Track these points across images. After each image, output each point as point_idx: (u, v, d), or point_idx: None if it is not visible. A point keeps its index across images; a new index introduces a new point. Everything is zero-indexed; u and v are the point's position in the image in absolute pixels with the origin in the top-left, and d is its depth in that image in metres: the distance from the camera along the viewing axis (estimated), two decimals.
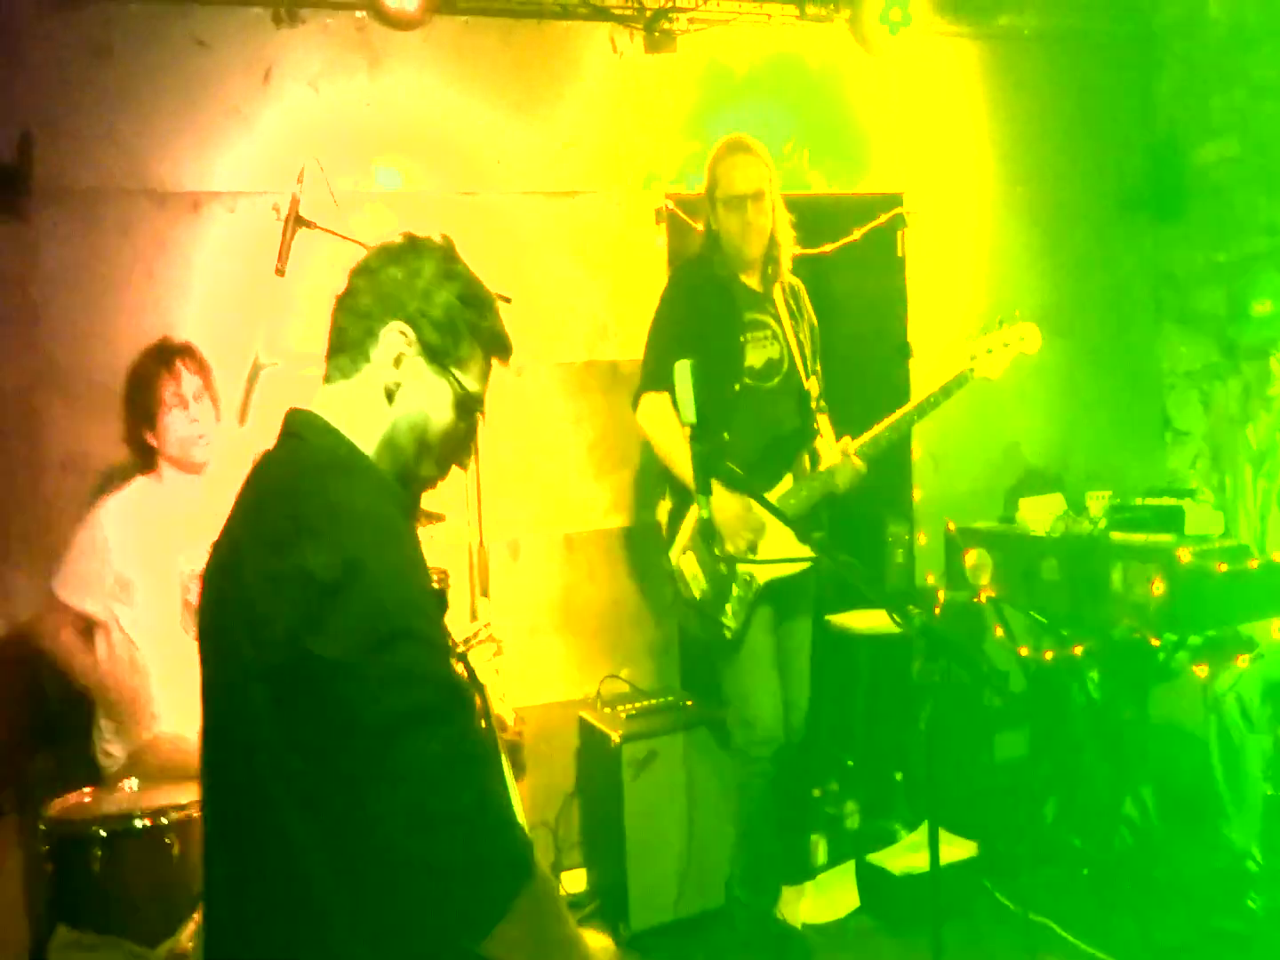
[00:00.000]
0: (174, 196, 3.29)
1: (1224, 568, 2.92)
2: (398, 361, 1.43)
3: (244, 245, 3.32)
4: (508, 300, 3.33)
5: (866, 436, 3.00)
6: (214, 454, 2.83)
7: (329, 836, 1.27)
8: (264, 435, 1.49)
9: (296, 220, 2.97)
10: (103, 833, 2.27)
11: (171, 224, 3.28)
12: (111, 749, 2.73)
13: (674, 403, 2.60)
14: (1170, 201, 4.32)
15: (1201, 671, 3.10)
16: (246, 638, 1.28)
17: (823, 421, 3.19)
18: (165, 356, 2.81)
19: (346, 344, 1.44)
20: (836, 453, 3.00)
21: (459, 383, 1.46)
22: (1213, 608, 2.95)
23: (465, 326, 1.47)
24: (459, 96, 3.61)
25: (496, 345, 1.53)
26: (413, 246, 1.48)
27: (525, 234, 3.68)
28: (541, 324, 3.68)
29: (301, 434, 1.41)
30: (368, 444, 1.42)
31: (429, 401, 1.45)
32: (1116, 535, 3.19)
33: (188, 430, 2.77)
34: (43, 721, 2.83)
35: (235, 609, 1.32)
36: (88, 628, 2.73)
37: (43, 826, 2.33)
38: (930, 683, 1.84)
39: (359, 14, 3.47)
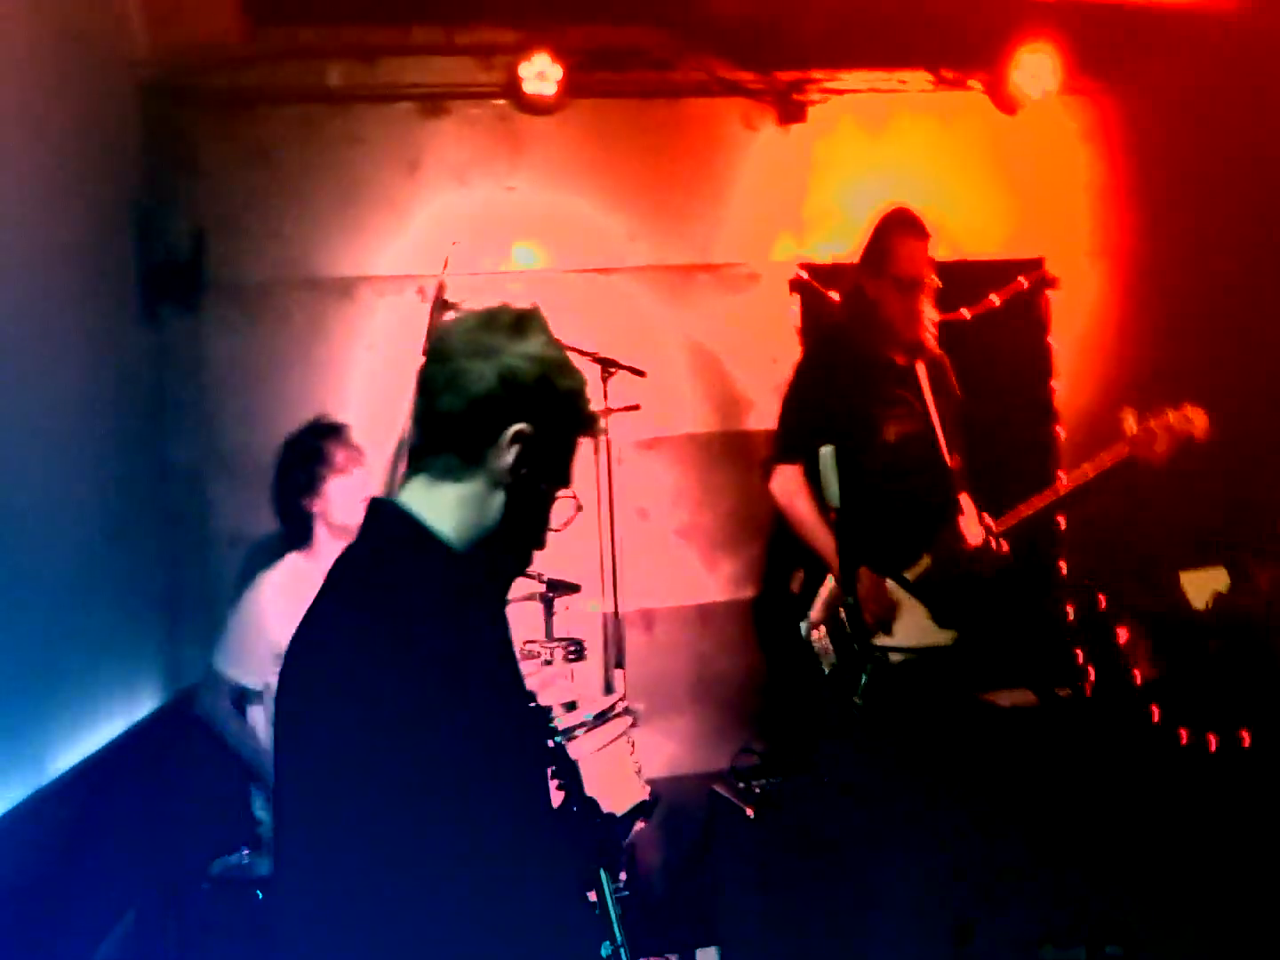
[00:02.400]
0: (329, 284, 3.48)
1: None
2: (518, 468, 1.33)
3: (393, 328, 3.49)
4: (643, 375, 3.43)
5: (1011, 519, 2.89)
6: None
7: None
8: None
9: (442, 304, 3.10)
10: (261, 894, 2.37)
11: (326, 311, 3.47)
12: (263, 814, 2.85)
13: (818, 484, 2.60)
14: None
15: None
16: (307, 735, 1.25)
17: (965, 500, 3.10)
18: (327, 429, 2.95)
19: (455, 437, 1.33)
20: (979, 533, 2.91)
21: (564, 471, 1.40)
22: None
23: (579, 419, 1.39)
24: (594, 177, 3.73)
25: (589, 425, 1.44)
26: (517, 321, 1.36)
27: (658, 308, 3.75)
28: (675, 396, 3.72)
29: (388, 528, 1.34)
30: (462, 538, 1.33)
31: (532, 498, 1.38)
32: None
33: (354, 493, 2.88)
34: (209, 786, 2.98)
35: (312, 715, 1.27)
36: (242, 698, 2.86)
37: (206, 886, 2.45)
38: None
39: (499, 102, 3.63)
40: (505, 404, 1.32)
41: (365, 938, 1.21)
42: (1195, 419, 2.83)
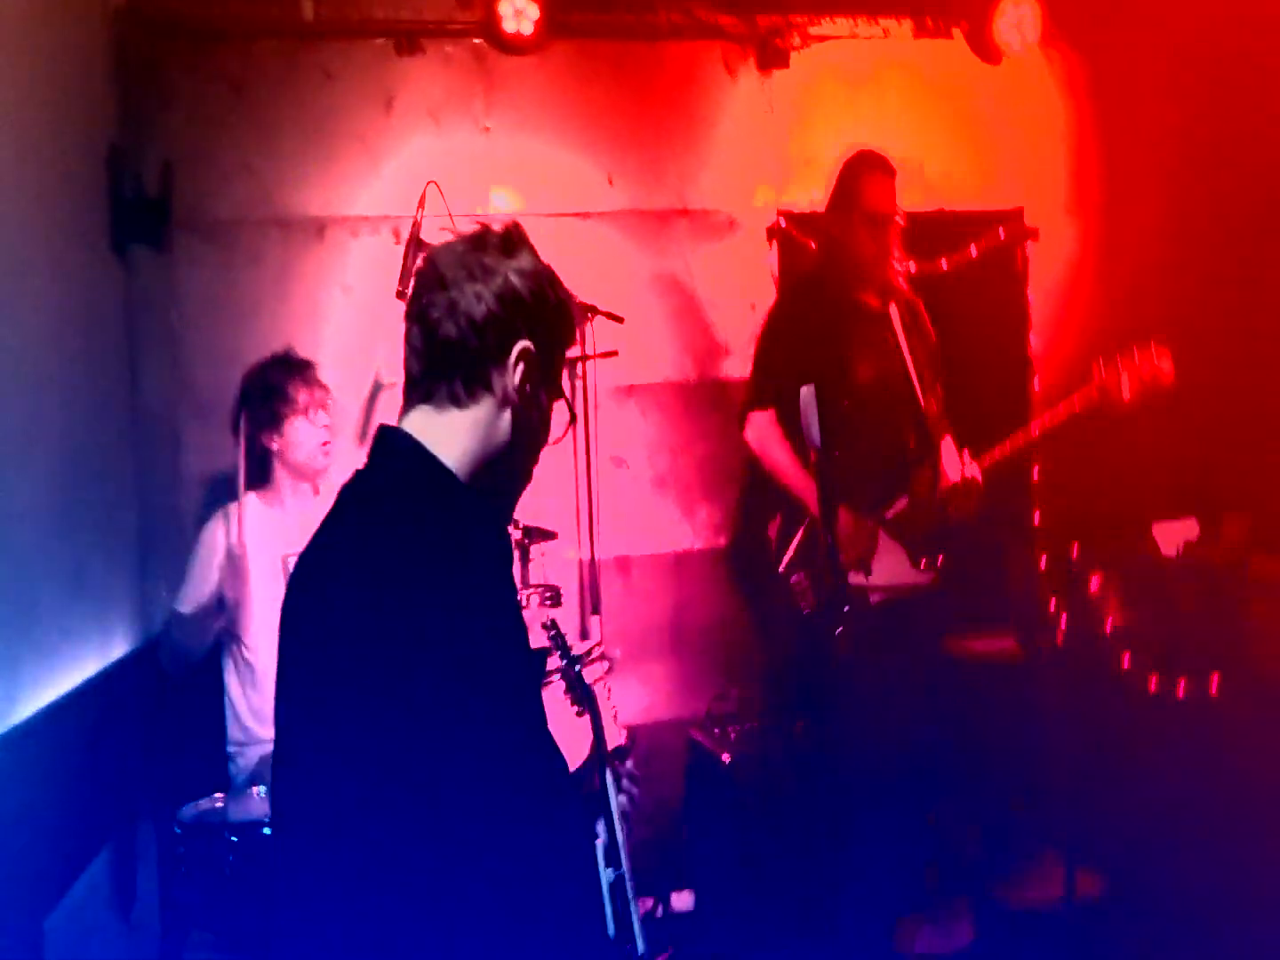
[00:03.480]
0: (300, 223, 3.42)
1: None
2: (524, 387, 1.33)
3: (367, 269, 3.43)
4: (621, 320, 3.40)
5: (986, 461, 2.93)
6: (332, 468, 2.90)
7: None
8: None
9: (417, 244, 3.04)
10: (235, 838, 2.35)
11: (298, 250, 3.41)
12: (239, 756, 2.83)
13: (792, 429, 2.60)
14: None
15: None
16: (325, 670, 1.25)
17: (944, 441, 3.12)
18: (294, 365, 2.90)
19: (460, 363, 1.32)
20: (958, 471, 2.93)
21: (559, 387, 1.39)
22: None
23: (570, 332, 1.40)
24: (573, 119, 3.67)
25: (574, 335, 1.44)
26: (506, 241, 1.35)
27: (637, 254, 3.71)
28: (653, 344, 3.69)
29: (398, 463, 1.32)
30: (471, 467, 1.33)
31: (546, 418, 1.39)
32: (1256, 563, 3.04)
33: (314, 436, 2.84)
34: (175, 729, 2.95)
35: (317, 639, 1.27)
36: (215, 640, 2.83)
37: (178, 830, 2.43)
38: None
39: (476, 41, 3.55)
40: (507, 323, 1.32)
41: (372, 872, 1.20)
42: (1161, 361, 2.85)
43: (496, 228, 1.37)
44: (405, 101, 3.52)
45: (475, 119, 3.58)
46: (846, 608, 2.92)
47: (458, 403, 1.33)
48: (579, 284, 3.33)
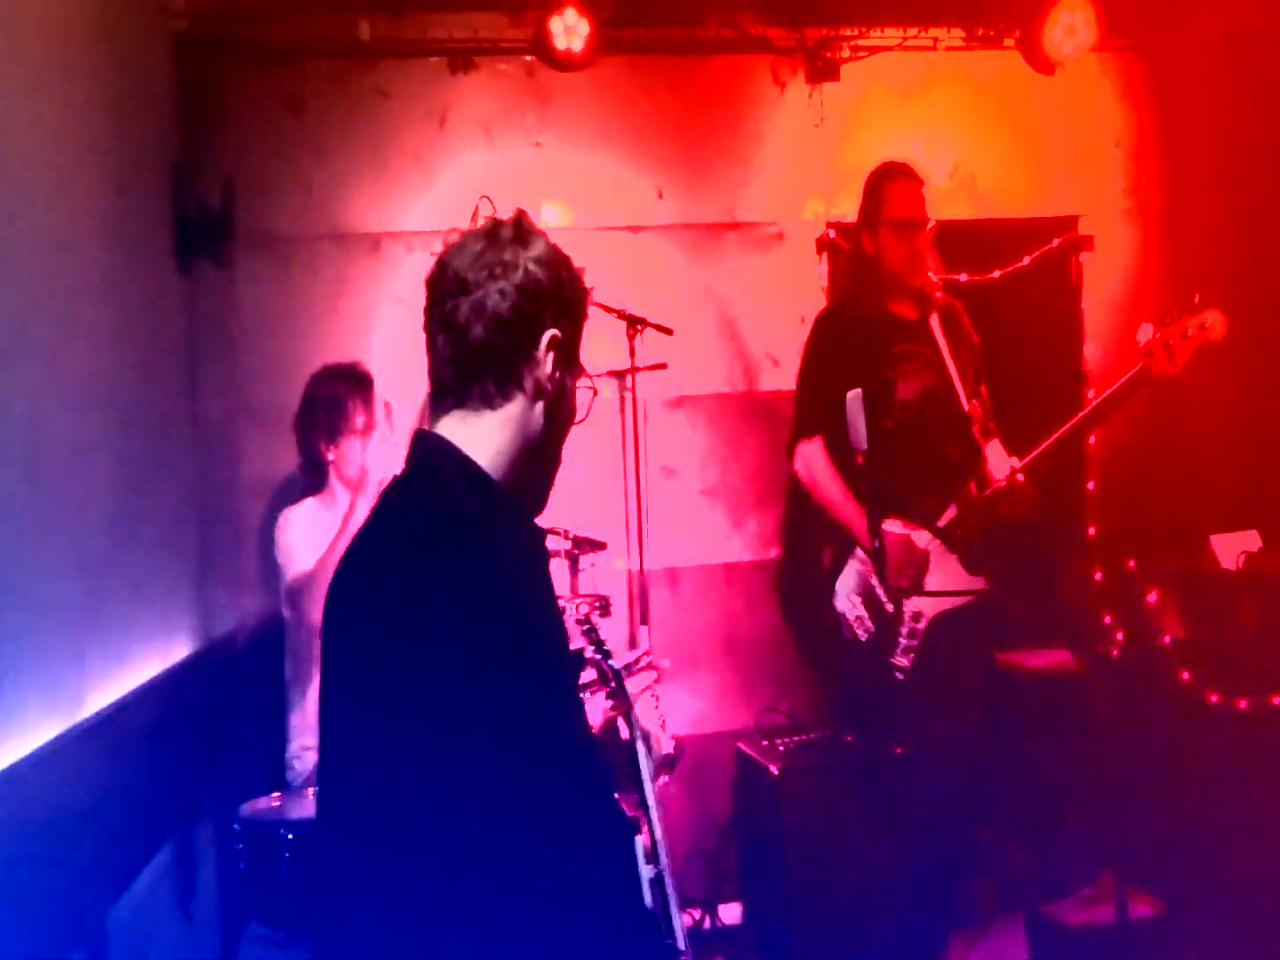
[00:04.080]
0: (356, 238, 3.49)
1: None
2: (553, 376, 1.32)
3: (420, 282, 3.47)
4: (670, 332, 3.42)
5: (1033, 453, 2.88)
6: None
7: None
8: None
9: None
10: (290, 835, 2.39)
11: (353, 264, 3.48)
12: (301, 753, 2.88)
13: (839, 456, 2.59)
14: None
15: None
16: (365, 671, 1.24)
17: (993, 446, 3.09)
18: (357, 380, 2.96)
19: (492, 363, 1.31)
20: (1006, 473, 2.90)
21: (579, 370, 1.38)
22: None
23: (584, 308, 1.38)
24: (623, 134, 3.71)
25: (587, 311, 1.40)
26: (517, 232, 1.34)
27: (686, 267, 3.73)
28: (704, 356, 3.71)
29: (436, 465, 1.32)
30: (501, 467, 1.32)
31: (572, 405, 1.38)
32: None
33: (365, 455, 2.89)
34: (237, 728, 3.02)
35: (360, 644, 1.26)
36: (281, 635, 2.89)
37: (236, 827, 2.48)
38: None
39: (528, 58, 3.61)
40: (534, 315, 1.32)
41: (413, 876, 1.19)
42: (1211, 321, 2.77)
43: (505, 219, 1.36)
44: (458, 118, 3.59)
45: (527, 134, 3.64)
46: (902, 637, 2.91)
47: (490, 403, 1.32)
48: (629, 297, 3.41)
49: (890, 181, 3.08)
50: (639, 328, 3.39)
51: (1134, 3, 3.84)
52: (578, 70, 3.59)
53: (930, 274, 3.09)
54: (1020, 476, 2.85)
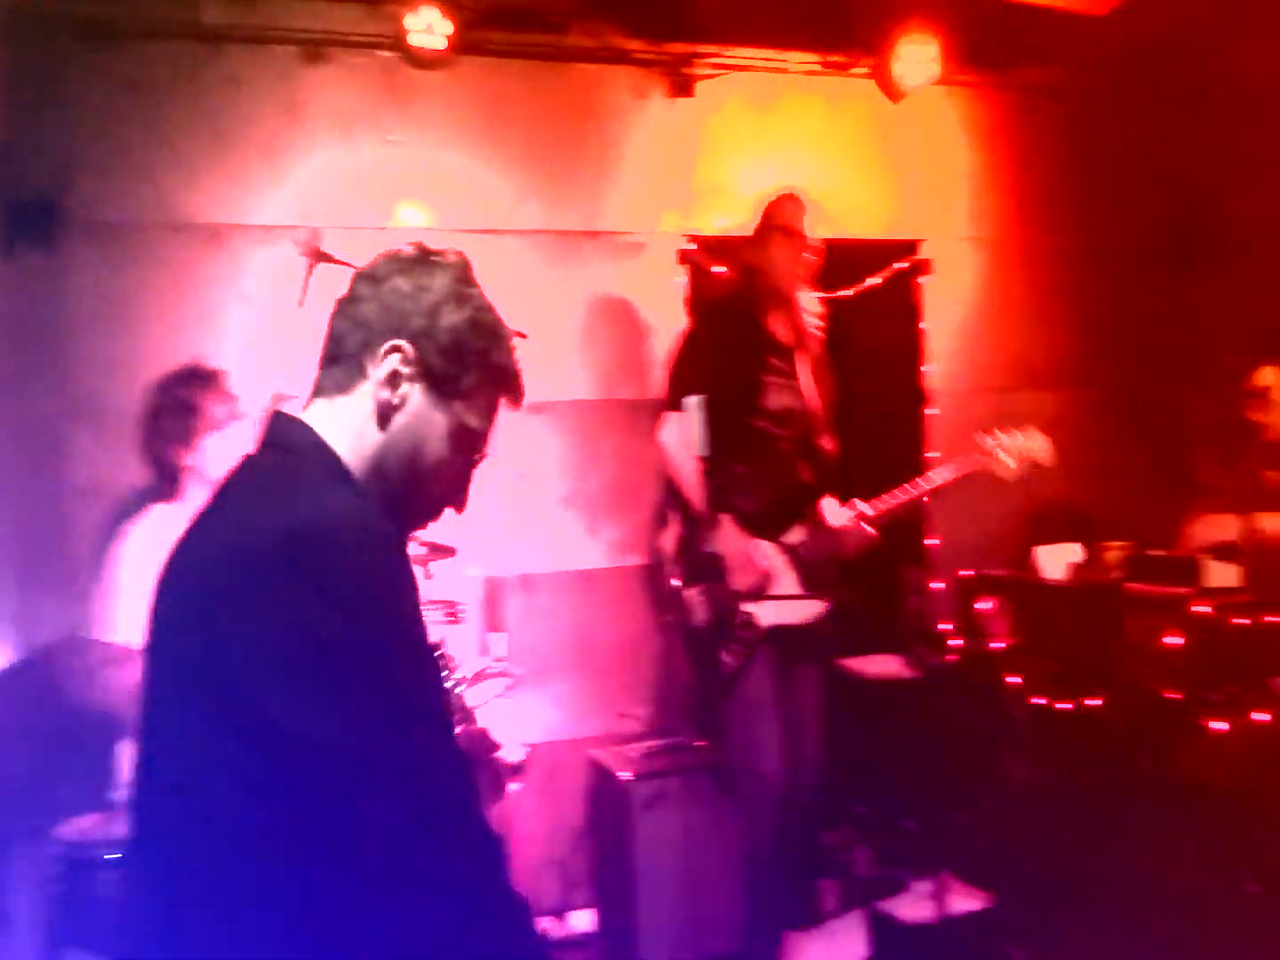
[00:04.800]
0: (201, 230, 3.34)
1: (1240, 622, 2.90)
2: (394, 382, 1.32)
3: (268, 279, 3.37)
4: (524, 337, 3.38)
5: (879, 507, 3.04)
6: None
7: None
8: None
9: (318, 255, 3.00)
10: (112, 857, 2.27)
11: (196, 257, 3.33)
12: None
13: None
14: (1198, 255, 4.32)
15: (1218, 726, 3.05)
16: (199, 660, 1.16)
17: (837, 489, 3.21)
18: (203, 377, 2.83)
19: (343, 355, 1.34)
20: (842, 518, 3.04)
21: (459, 415, 1.35)
22: (1226, 662, 2.93)
23: (473, 356, 1.35)
24: (483, 137, 3.67)
25: (506, 382, 1.40)
26: (424, 259, 1.37)
27: (546, 273, 3.73)
28: (560, 362, 3.71)
29: (290, 445, 1.31)
30: (357, 466, 1.31)
31: (424, 430, 1.33)
32: (1132, 586, 3.18)
33: (228, 450, 2.77)
34: (60, 747, 2.84)
35: (187, 623, 1.20)
36: (116, 655, 2.73)
37: (54, 850, 2.34)
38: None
39: (385, 54, 3.54)
40: (389, 323, 1.33)
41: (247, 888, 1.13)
42: (1041, 447, 3.11)
43: (433, 249, 1.41)
44: (312, 111, 3.49)
45: (384, 132, 3.56)
46: (736, 623, 2.98)
47: (341, 390, 1.34)
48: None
49: (783, 198, 3.23)
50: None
51: (982, 43, 4.04)
52: (437, 69, 3.54)
53: (808, 308, 3.21)
54: (865, 526, 3.01)
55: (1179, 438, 4.30)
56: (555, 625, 3.68)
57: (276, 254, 3.38)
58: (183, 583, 1.24)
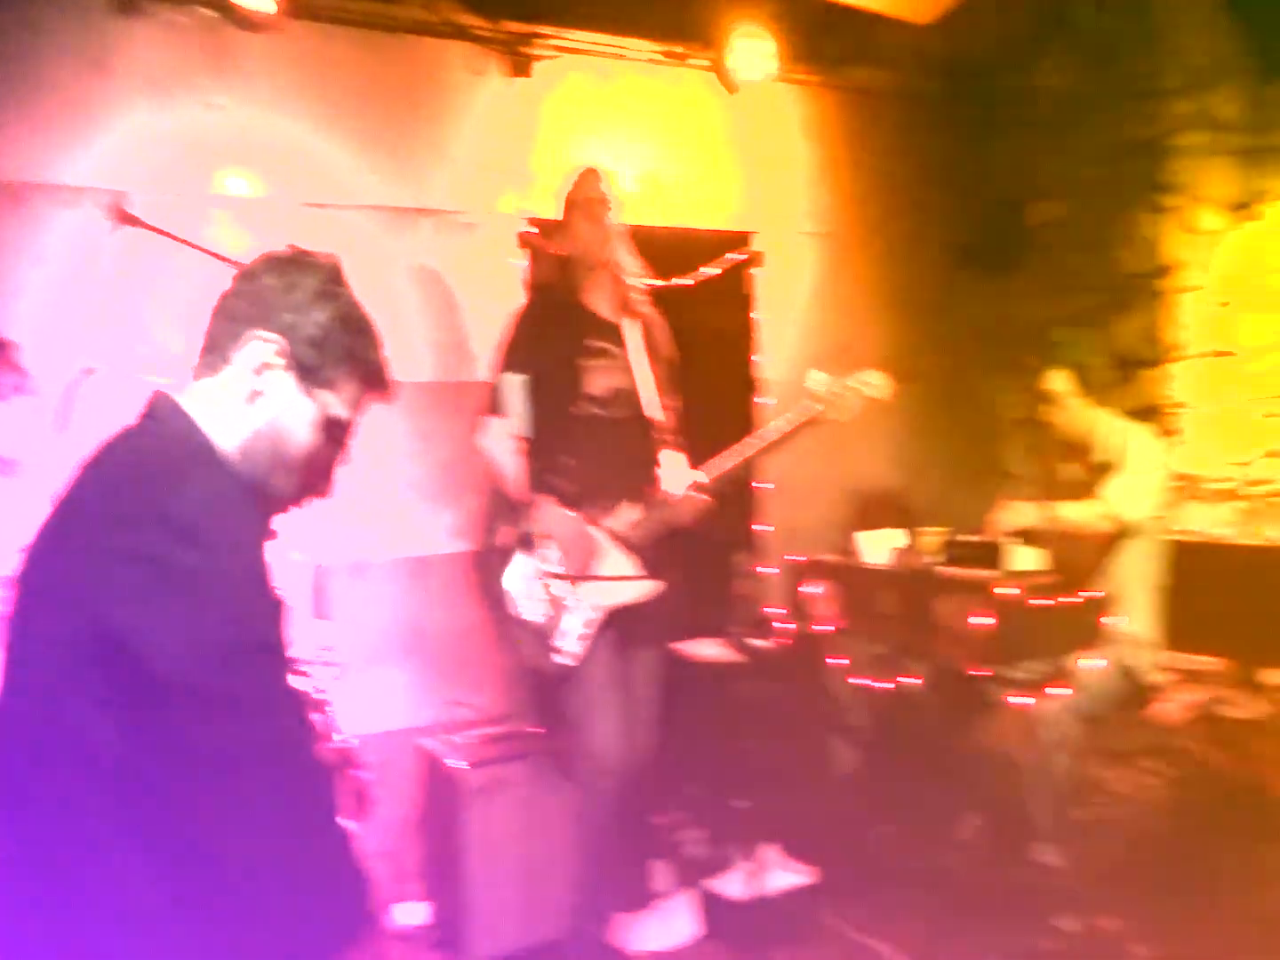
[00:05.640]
0: None
1: (1039, 603, 3.10)
2: (263, 372, 1.40)
3: (70, 244, 3.13)
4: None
5: (712, 471, 3.04)
6: (29, 458, 2.65)
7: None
8: (84, 443, 1.40)
9: (125, 217, 2.81)
10: None
11: None
12: None
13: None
14: (1004, 257, 4.59)
15: (1020, 701, 3.26)
16: (61, 619, 1.22)
17: (675, 456, 3.22)
18: None
19: (214, 344, 1.42)
20: (683, 486, 3.04)
21: (325, 405, 1.43)
22: (1029, 640, 3.12)
23: (340, 349, 1.44)
24: (313, 105, 3.52)
25: (372, 377, 1.49)
26: (296, 260, 1.47)
27: (377, 250, 3.61)
28: (393, 342, 3.58)
29: (164, 419, 1.38)
30: (226, 448, 1.39)
31: (290, 417, 1.42)
32: (944, 570, 3.34)
33: (16, 425, 2.59)
34: None
35: (56, 587, 1.25)
36: None
37: None
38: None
39: (208, 13, 3.34)
40: (251, 310, 1.42)
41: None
42: (879, 382, 3.06)
43: (308, 251, 1.51)
44: (125, 67, 3.25)
45: (206, 94, 3.36)
46: (570, 625, 2.97)
47: (214, 375, 1.42)
48: None
49: (580, 175, 3.20)
50: None
51: (818, 41, 4.16)
52: (265, 32, 3.37)
53: (633, 281, 3.18)
54: (700, 494, 3.00)
55: (991, 430, 4.58)
56: (388, 612, 3.58)
57: (82, 217, 3.15)
58: (43, 563, 1.30)
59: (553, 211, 3.79)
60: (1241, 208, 4.02)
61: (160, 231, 2.82)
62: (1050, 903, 3.12)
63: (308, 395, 1.42)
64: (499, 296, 3.72)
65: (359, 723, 3.30)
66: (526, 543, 3.05)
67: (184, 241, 2.75)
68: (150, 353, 3.06)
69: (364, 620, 3.52)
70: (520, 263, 3.82)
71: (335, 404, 1.44)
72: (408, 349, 3.65)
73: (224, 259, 2.54)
